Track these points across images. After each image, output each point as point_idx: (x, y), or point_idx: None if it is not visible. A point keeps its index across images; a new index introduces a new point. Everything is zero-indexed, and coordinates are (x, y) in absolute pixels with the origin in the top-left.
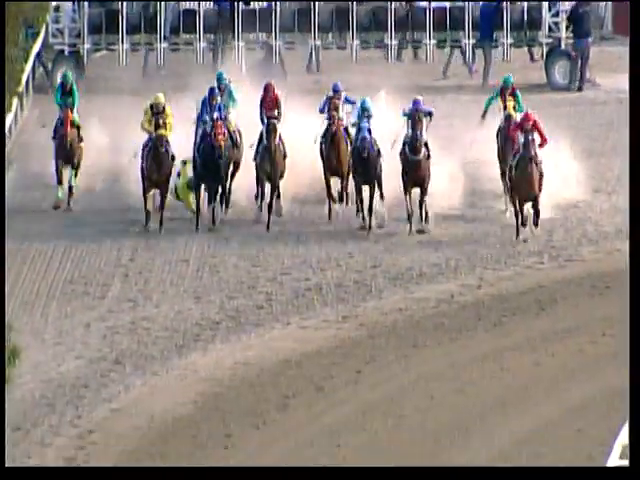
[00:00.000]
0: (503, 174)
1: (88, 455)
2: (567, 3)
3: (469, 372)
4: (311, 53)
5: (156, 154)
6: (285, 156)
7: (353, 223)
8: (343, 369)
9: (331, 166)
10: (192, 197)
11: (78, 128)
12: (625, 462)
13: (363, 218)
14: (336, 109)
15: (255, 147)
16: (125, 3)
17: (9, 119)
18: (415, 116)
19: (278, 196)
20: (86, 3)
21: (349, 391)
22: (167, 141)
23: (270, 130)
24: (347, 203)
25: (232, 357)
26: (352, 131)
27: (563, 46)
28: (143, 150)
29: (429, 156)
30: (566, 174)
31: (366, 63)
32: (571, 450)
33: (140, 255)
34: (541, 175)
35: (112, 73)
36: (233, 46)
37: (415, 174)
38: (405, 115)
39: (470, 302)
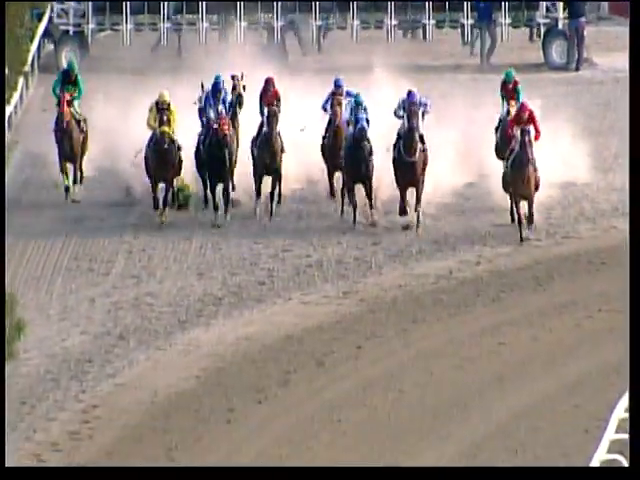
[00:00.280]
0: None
1: (92, 429)
2: None
3: (468, 347)
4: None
5: (159, 150)
6: (283, 150)
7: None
8: (344, 344)
9: (335, 162)
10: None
11: (79, 122)
12: (622, 436)
13: (354, 218)
14: (339, 104)
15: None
16: None
17: (15, 98)
18: (411, 111)
19: (279, 186)
20: None
21: (349, 366)
22: (170, 137)
23: (271, 116)
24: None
25: (234, 332)
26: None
27: (560, 26)
28: (148, 145)
29: (425, 150)
30: (564, 153)
31: (366, 43)
32: (568, 424)
33: (143, 233)
34: (537, 176)
35: (116, 53)
36: (235, 27)
37: (410, 176)
38: (400, 110)
39: (469, 278)
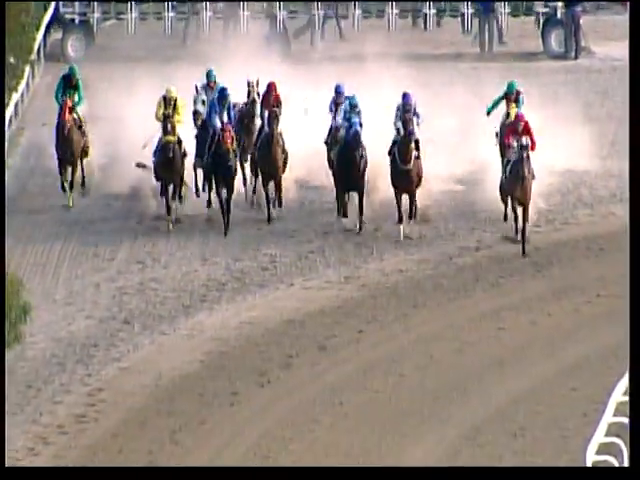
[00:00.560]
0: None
1: (98, 412)
2: None
3: (467, 332)
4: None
5: (165, 159)
6: (284, 152)
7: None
8: (345, 329)
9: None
10: None
11: (80, 127)
12: (620, 419)
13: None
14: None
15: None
16: None
17: (21, 86)
18: (405, 118)
19: (279, 188)
20: None
21: (351, 350)
22: (174, 146)
23: (272, 118)
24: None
25: (237, 317)
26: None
27: (559, 15)
28: (154, 154)
29: (419, 157)
30: (562, 140)
31: (367, 32)
32: (567, 408)
33: (148, 219)
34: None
35: (121, 42)
36: (239, 15)
37: (406, 184)
38: (398, 121)
39: (468, 264)
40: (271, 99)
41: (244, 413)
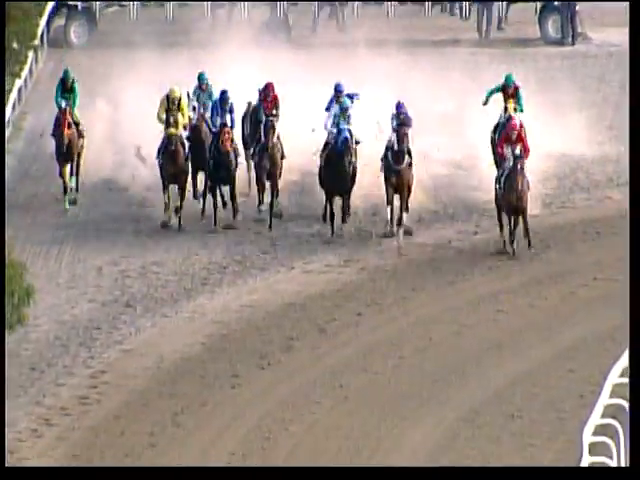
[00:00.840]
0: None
1: (100, 394)
2: None
3: (466, 315)
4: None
5: (169, 152)
6: (283, 156)
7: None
8: (345, 312)
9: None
10: None
11: (77, 125)
12: (616, 400)
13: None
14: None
15: (253, 148)
16: None
17: (25, 71)
18: (401, 133)
19: (277, 195)
20: None
21: (350, 333)
22: (178, 139)
23: (268, 128)
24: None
25: (238, 300)
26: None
27: (556, 2)
28: (159, 150)
29: (411, 164)
30: (559, 124)
31: (367, 19)
32: (563, 390)
33: (149, 203)
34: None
35: (123, 28)
36: (240, 2)
37: (397, 182)
38: (391, 126)
39: (467, 247)
40: (269, 100)
41: (245, 395)
